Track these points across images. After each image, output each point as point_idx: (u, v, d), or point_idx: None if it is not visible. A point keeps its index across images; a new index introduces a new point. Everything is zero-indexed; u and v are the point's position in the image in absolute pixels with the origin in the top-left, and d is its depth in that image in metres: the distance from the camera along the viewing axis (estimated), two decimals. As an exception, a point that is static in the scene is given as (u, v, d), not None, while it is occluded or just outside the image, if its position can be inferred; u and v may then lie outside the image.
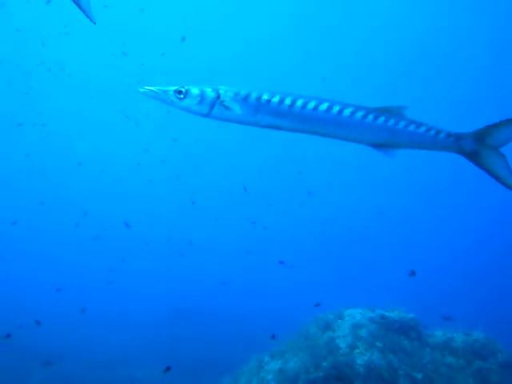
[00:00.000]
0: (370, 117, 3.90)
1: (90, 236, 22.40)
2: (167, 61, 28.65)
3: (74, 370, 13.23)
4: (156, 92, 3.92)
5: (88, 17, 3.43)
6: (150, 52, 29.52)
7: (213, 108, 3.89)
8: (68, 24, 25.86)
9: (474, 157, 3.92)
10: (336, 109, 3.87)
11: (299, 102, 3.87)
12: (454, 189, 34.15)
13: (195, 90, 3.91)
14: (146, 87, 3.93)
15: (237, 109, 3.86)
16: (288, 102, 3.87)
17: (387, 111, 3.93)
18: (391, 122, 3.92)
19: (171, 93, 3.92)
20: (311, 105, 3.87)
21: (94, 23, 3.49)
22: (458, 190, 34.17)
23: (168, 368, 9.06)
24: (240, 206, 28.60)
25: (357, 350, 7.33)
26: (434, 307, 14.20)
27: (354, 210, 32.39)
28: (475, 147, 3.88)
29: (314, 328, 9.39)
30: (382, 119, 3.92)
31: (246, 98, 3.89)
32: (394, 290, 19.26)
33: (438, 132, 3.93)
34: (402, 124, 3.92)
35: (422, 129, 3.93)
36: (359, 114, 3.88)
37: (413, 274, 7.18)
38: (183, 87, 3.92)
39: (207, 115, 3.93)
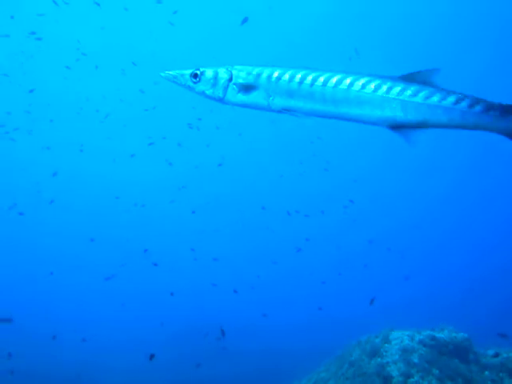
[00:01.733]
0: (384, 88, 3.18)
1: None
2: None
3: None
4: (175, 76, 3.60)
5: None
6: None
7: (226, 91, 3.50)
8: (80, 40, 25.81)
9: None
10: (346, 82, 3.24)
11: (308, 78, 3.32)
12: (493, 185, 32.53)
13: (209, 73, 3.54)
14: (167, 72, 3.63)
15: (250, 91, 3.44)
16: (298, 79, 3.35)
17: (411, 78, 3.18)
18: (407, 92, 3.14)
19: (187, 77, 3.57)
20: (320, 80, 3.30)
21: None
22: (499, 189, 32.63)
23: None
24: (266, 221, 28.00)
25: (412, 379, 6.72)
26: (479, 321, 13.42)
27: (377, 215, 31.30)
28: None
29: (359, 353, 8.79)
30: (396, 90, 3.16)
31: (258, 77, 3.44)
32: (432, 304, 18.47)
33: (472, 103, 3.04)
34: (421, 95, 3.11)
35: (451, 99, 3.07)
36: (370, 86, 3.21)
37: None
38: (198, 69, 3.56)
39: (222, 100, 3.54)
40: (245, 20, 15.58)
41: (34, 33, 19.84)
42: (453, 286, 22.73)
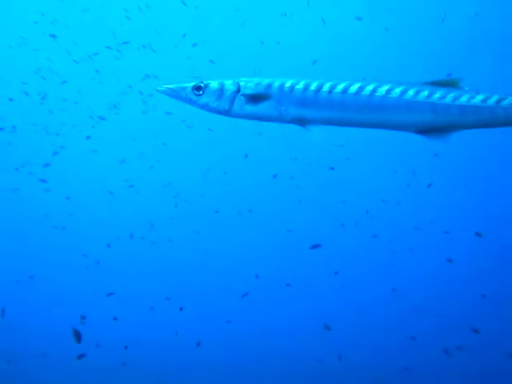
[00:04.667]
0: (411, 92, 3.29)
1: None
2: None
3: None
4: (174, 90, 3.64)
5: None
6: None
7: (233, 103, 3.54)
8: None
9: None
10: (369, 89, 3.34)
11: (326, 87, 3.41)
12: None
13: (214, 85, 3.60)
14: (165, 85, 3.66)
15: (259, 101, 3.49)
16: (313, 87, 3.43)
17: (435, 84, 3.34)
18: (436, 95, 3.26)
19: (189, 90, 3.62)
20: (339, 88, 3.38)
21: None
22: None
23: None
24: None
25: None
26: None
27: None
28: None
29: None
30: (424, 93, 3.28)
31: (268, 87, 3.49)
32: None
33: (500, 99, 3.19)
34: (450, 96, 3.23)
35: (479, 97, 3.21)
36: (396, 91, 3.31)
37: None
38: (202, 82, 3.61)
39: (228, 113, 3.58)
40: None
41: None
42: None
